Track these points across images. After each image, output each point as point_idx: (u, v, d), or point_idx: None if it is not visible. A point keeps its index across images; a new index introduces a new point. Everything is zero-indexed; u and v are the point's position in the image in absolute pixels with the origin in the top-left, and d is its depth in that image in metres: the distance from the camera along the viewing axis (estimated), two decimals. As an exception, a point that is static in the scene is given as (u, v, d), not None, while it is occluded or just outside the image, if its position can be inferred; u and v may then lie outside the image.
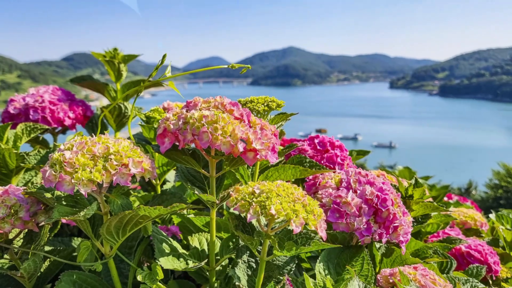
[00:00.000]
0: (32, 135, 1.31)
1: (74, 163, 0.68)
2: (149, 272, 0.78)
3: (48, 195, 0.78)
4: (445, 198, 2.22)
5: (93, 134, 0.78)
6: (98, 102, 1.64)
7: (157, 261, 0.79)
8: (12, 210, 0.78)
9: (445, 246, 1.18)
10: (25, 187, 0.83)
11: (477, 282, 0.96)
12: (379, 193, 0.89)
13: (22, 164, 1.16)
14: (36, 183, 1.24)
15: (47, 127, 1.35)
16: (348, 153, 1.19)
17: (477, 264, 1.15)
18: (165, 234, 0.89)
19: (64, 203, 0.75)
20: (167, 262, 0.80)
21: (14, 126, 1.37)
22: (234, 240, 0.93)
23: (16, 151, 1.13)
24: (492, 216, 1.70)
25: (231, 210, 0.93)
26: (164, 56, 0.87)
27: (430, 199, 1.40)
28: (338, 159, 1.12)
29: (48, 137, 1.52)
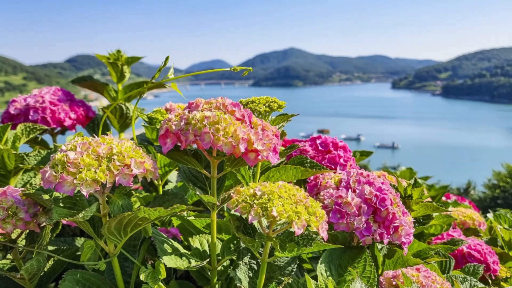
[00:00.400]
0: (31, 136, 1.31)
1: (79, 163, 0.68)
2: (152, 271, 0.78)
3: (46, 196, 0.77)
4: (444, 198, 2.21)
5: (94, 135, 0.78)
6: (98, 102, 1.64)
7: (160, 259, 0.79)
8: (9, 212, 0.77)
9: (449, 248, 1.17)
10: (23, 188, 0.82)
11: (476, 281, 0.95)
12: (377, 193, 0.89)
13: (20, 165, 1.15)
14: (35, 184, 1.24)
15: (46, 127, 1.34)
16: (352, 154, 1.19)
17: (474, 263, 1.15)
18: (165, 236, 0.89)
19: (61, 204, 0.74)
20: (170, 261, 0.80)
21: (14, 127, 1.36)
22: (235, 242, 0.92)
23: (15, 152, 1.13)
24: (490, 215, 1.70)
25: (232, 211, 0.93)
26: (167, 58, 0.87)
27: (429, 199, 1.40)
28: (341, 160, 1.12)
29: (47, 137, 1.52)
